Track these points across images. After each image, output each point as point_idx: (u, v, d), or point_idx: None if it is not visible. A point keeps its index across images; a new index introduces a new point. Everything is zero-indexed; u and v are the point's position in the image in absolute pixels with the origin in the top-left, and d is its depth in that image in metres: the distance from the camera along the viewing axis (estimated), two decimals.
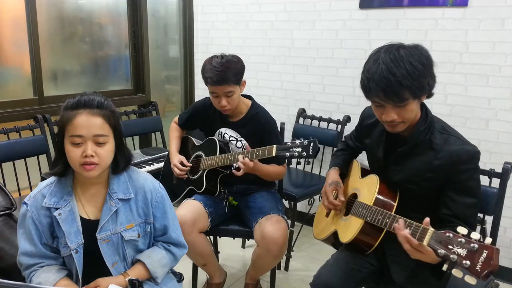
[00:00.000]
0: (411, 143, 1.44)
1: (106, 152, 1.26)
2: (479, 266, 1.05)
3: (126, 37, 3.27)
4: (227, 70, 1.86)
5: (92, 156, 1.22)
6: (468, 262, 1.07)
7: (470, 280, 1.07)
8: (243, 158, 1.80)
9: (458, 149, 1.37)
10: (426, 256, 1.22)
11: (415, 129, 1.42)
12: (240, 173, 1.82)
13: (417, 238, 1.21)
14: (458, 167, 1.36)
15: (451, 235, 1.14)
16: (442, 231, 1.16)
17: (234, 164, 1.90)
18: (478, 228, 1.73)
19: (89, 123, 1.22)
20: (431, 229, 1.19)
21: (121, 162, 1.33)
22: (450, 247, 1.12)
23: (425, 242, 1.19)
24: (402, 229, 1.26)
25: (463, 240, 1.11)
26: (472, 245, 1.08)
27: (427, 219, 1.25)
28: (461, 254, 1.09)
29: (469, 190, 1.38)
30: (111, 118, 1.27)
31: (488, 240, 1.09)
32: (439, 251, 1.14)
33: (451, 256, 1.11)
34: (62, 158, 1.28)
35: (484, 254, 1.06)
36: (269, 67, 3.24)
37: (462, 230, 1.13)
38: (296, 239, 2.73)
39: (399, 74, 1.29)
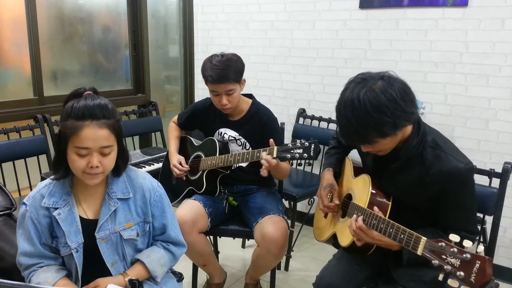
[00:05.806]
0: (404, 158, 1.39)
1: (110, 161, 1.26)
2: (473, 278, 1.03)
3: (126, 37, 3.27)
4: (227, 69, 1.85)
5: (97, 167, 1.22)
6: (462, 273, 1.05)
7: None
8: (267, 155, 1.71)
9: (449, 168, 1.32)
10: (381, 242, 1.34)
11: (408, 144, 1.38)
12: (265, 174, 1.72)
13: (411, 248, 1.20)
14: (450, 185, 1.33)
15: (443, 244, 1.11)
16: (435, 240, 1.14)
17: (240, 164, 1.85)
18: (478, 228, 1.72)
19: (96, 136, 1.19)
20: (424, 238, 1.17)
21: (121, 165, 1.33)
22: (444, 257, 1.10)
23: (418, 252, 1.17)
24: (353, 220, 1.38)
25: (455, 249, 1.08)
26: (464, 255, 1.06)
27: (376, 208, 1.35)
28: (455, 265, 1.07)
29: (463, 205, 1.37)
30: (116, 127, 1.25)
31: (480, 248, 1.07)
32: (433, 261, 1.12)
33: (445, 266, 1.09)
34: (63, 164, 1.26)
35: (477, 265, 1.04)
36: (269, 67, 3.24)
37: (454, 237, 1.11)
38: (296, 239, 2.73)
39: (355, 123, 1.27)
